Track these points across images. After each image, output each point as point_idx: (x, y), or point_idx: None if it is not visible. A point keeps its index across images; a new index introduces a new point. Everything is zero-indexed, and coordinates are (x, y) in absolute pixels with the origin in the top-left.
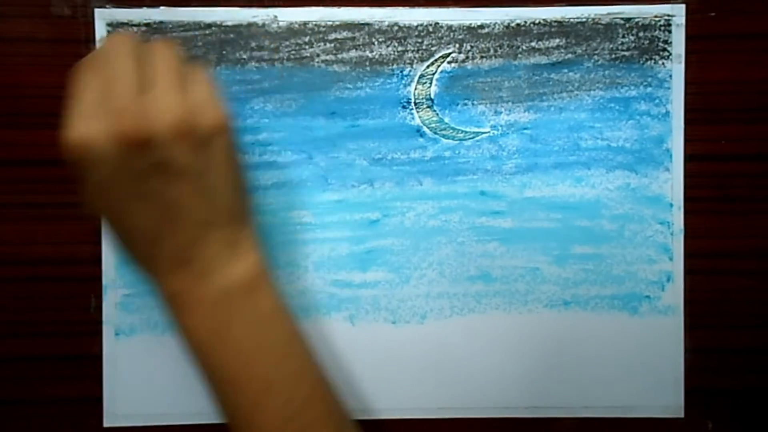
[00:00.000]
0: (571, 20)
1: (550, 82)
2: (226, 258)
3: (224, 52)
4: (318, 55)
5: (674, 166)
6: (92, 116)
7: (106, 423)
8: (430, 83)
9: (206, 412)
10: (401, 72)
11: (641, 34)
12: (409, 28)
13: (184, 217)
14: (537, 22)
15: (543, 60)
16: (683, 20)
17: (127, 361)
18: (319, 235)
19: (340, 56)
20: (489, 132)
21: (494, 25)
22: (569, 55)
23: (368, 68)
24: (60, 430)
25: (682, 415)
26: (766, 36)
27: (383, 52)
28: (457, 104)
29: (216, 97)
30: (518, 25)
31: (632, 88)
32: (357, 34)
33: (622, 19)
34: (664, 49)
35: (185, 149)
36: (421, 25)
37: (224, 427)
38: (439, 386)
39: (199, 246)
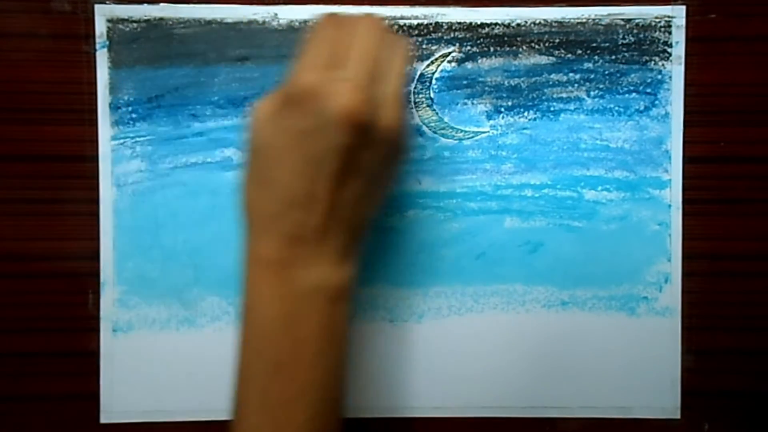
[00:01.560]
0: (572, 20)
1: (550, 82)
2: (335, 260)
3: (224, 50)
4: None
5: (673, 167)
6: (331, 75)
7: (103, 419)
8: (430, 83)
9: (202, 409)
10: None
11: (641, 35)
12: (409, 27)
13: (332, 206)
14: (537, 22)
15: (543, 60)
16: (683, 21)
17: (124, 357)
18: None
19: None
20: (488, 132)
21: (494, 25)
22: (569, 56)
23: None
24: (57, 426)
25: (678, 416)
26: (766, 38)
27: None
28: (457, 104)
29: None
30: (518, 25)
31: (632, 89)
32: None
33: (622, 19)
34: (664, 51)
35: (382, 153)
36: (422, 24)
37: (220, 424)
38: (435, 385)
39: (323, 236)
